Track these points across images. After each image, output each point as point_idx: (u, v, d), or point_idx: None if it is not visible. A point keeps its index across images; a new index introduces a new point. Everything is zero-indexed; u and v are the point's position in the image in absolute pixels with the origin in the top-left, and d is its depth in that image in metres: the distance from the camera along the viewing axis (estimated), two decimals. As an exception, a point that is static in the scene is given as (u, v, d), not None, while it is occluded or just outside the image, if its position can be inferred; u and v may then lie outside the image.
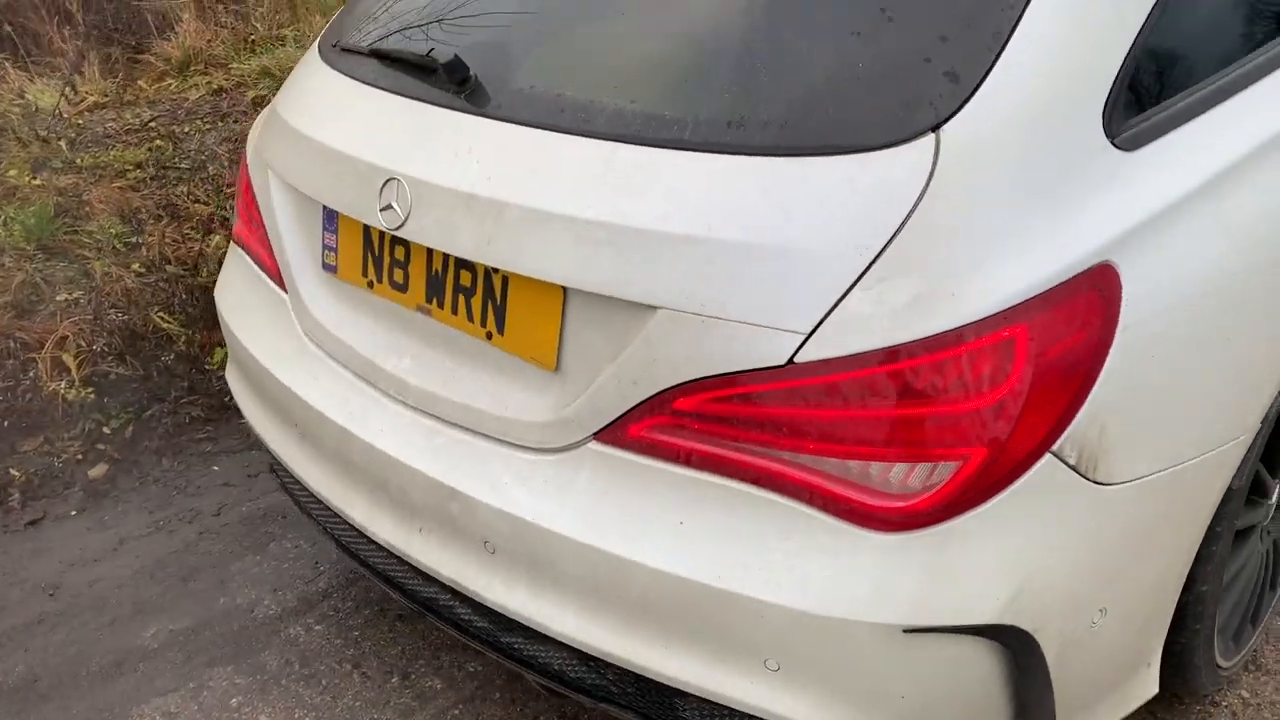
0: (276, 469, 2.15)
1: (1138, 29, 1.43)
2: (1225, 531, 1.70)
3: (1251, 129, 1.58)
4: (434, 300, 1.74)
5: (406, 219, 1.67)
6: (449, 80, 1.69)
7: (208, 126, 4.45)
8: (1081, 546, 1.42)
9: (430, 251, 1.71)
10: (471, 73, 1.65)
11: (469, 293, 1.67)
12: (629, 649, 1.51)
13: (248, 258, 2.13)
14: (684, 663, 1.48)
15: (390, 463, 1.73)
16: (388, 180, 1.69)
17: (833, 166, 1.35)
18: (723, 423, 1.40)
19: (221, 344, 3.18)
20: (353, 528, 1.84)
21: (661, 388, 1.44)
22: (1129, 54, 1.42)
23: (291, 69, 2.43)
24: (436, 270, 1.72)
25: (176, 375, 3.23)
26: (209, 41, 5.22)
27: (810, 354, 1.33)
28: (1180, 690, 1.92)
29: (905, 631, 1.34)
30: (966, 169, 1.32)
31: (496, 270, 1.60)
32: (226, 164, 4.05)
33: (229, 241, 2.67)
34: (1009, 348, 1.30)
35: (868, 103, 1.38)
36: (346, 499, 1.85)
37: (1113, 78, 1.40)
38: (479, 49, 1.72)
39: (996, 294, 1.30)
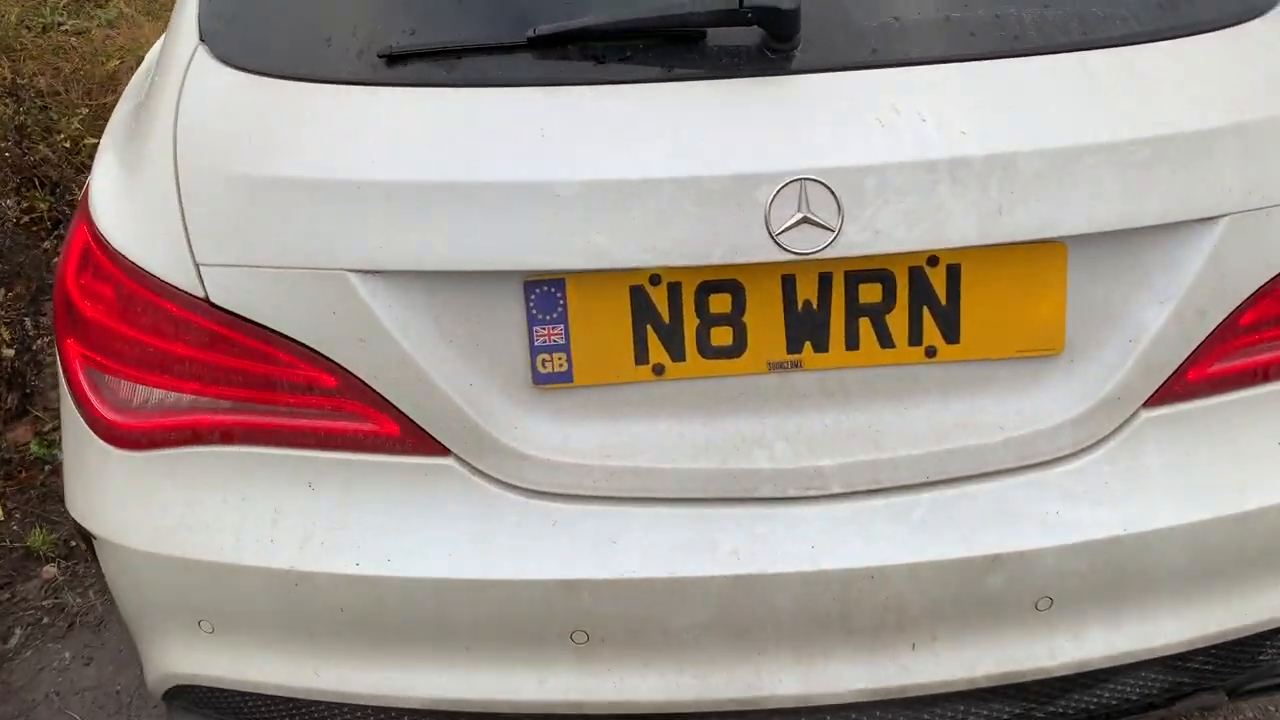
0: None
1: None
2: None
3: None
4: (806, 345, 1.22)
5: (840, 229, 1.13)
6: (778, 37, 1.17)
7: None
8: None
9: (790, 281, 1.20)
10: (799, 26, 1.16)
11: (880, 310, 1.21)
12: (1231, 615, 1.30)
13: (279, 450, 1.24)
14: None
15: (853, 582, 1.20)
16: (782, 188, 1.13)
17: None
18: None
19: None
20: None
21: (1232, 307, 1.24)
22: None
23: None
24: (807, 301, 1.21)
25: None
26: None
27: None
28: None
29: None
30: None
31: (934, 263, 1.19)
32: None
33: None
34: None
35: None
36: (749, 679, 1.23)
37: None
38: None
39: None
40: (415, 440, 1.24)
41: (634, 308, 1.21)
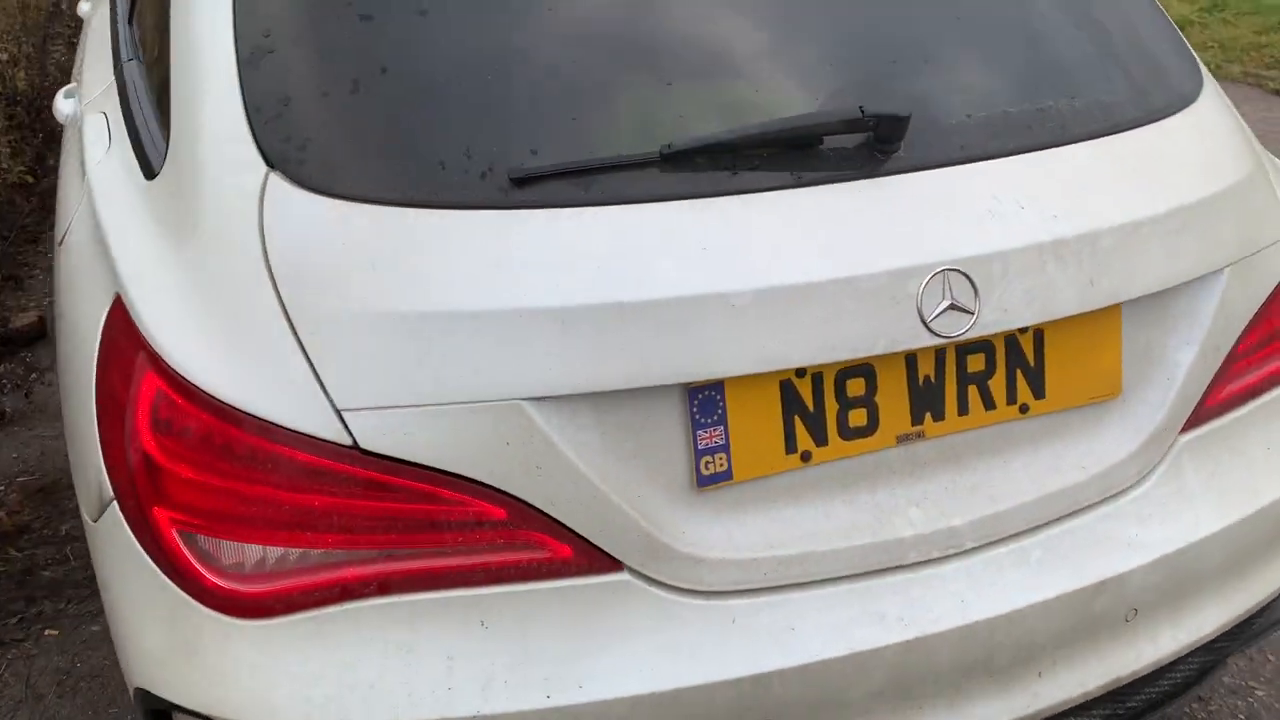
0: None
1: None
2: None
3: None
4: (926, 416, 1.32)
5: (979, 311, 1.24)
6: (885, 139, 1.26)
7: None
8: None
9: (912, 360, 1.30)
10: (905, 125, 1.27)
11: (984, 377, 1.34)
12: (1250, 594, 1.54)
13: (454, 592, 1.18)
14: None
15: (996, 627, 1.31)
16: (931, 277, 1.21)
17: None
18: None
19: None
20: None
21: (1235, 339, 1.47)
22: None
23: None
24: (926, 377, 1.31)
25: None
26: None
27: None
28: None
29: None
30: None
31: (1024, 331, 1.33)
32: None
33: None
34: None
35: None
36: None
37: None
38: (835, 101, 1.30)
39: None
40: (589, 559, 1.22)
41: (783, 401, 1.27)
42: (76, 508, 2.72)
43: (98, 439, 1.28)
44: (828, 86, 1.34)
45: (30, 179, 4.40)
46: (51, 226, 4.20)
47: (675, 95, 1.29)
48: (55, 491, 2.70)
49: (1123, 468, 1.43)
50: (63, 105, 2.10)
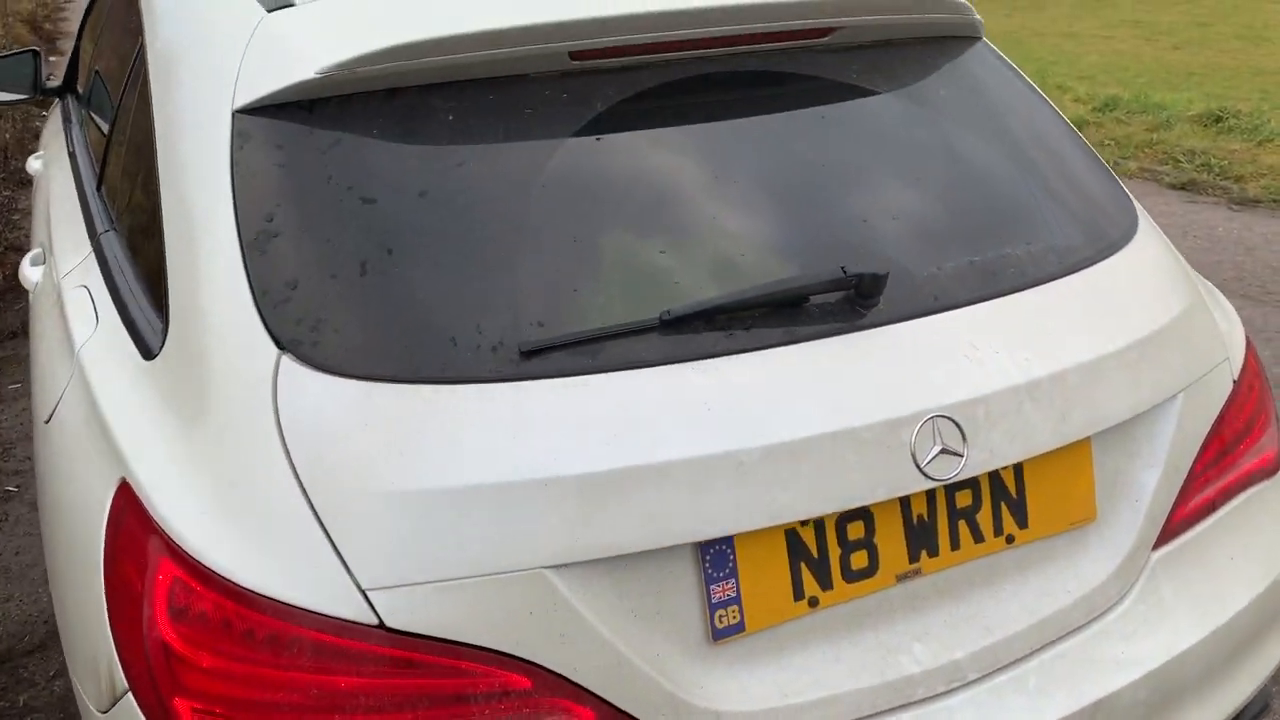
0: None
1: None
2: None
3: None
4: (922, 553, 1.38)
5: (967, 454, 1.31)
6: (866, 295, 1.34)
7: None
8: None
9: (906, 501, 1.36)
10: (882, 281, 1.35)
11: (972, 511, 1.41)
12: (1227, 696, 1.60)
13: None
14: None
15: (1002, 754, 1.35)
16: (922, 424, 1.28)
17: None
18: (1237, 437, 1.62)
19: None
20: None
21: (1192, 459, 1.56)
22: None
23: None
24: (919, 516, 1.38)
25: None
26: None
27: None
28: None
29: None
30: None
31: (1004, 467, 1.41)
32: None
33: None
34: None
35: None
36: None
37: None
38: (812, 263, 1.38)
39: None
40: None
41: (789, 549, 1.31)
42: (33, 675, 2.64)
43: (108, 628, 1.27)
44: (806, 247, 1.43)
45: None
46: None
47: (669, 263, 1.37)
48: (10, 659, 2.59)
49: (1104, 588, 1.50)
50: (30, 273, 2.10)
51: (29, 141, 6.40)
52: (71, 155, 2.54)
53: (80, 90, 3.04)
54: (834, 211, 1.48)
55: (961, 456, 1.33)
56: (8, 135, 6.39)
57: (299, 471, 1.20)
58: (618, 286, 1.33)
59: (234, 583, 1.18)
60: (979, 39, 1.87)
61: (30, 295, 2.15)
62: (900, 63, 1.72)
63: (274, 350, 1.26)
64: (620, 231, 1.38)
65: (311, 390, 1.24)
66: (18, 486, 3.33)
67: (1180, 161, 6.80)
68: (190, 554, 1.20)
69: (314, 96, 1.40)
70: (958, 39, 1.84)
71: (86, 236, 1.91)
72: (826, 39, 1.64)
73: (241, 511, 1.21)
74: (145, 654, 1.21)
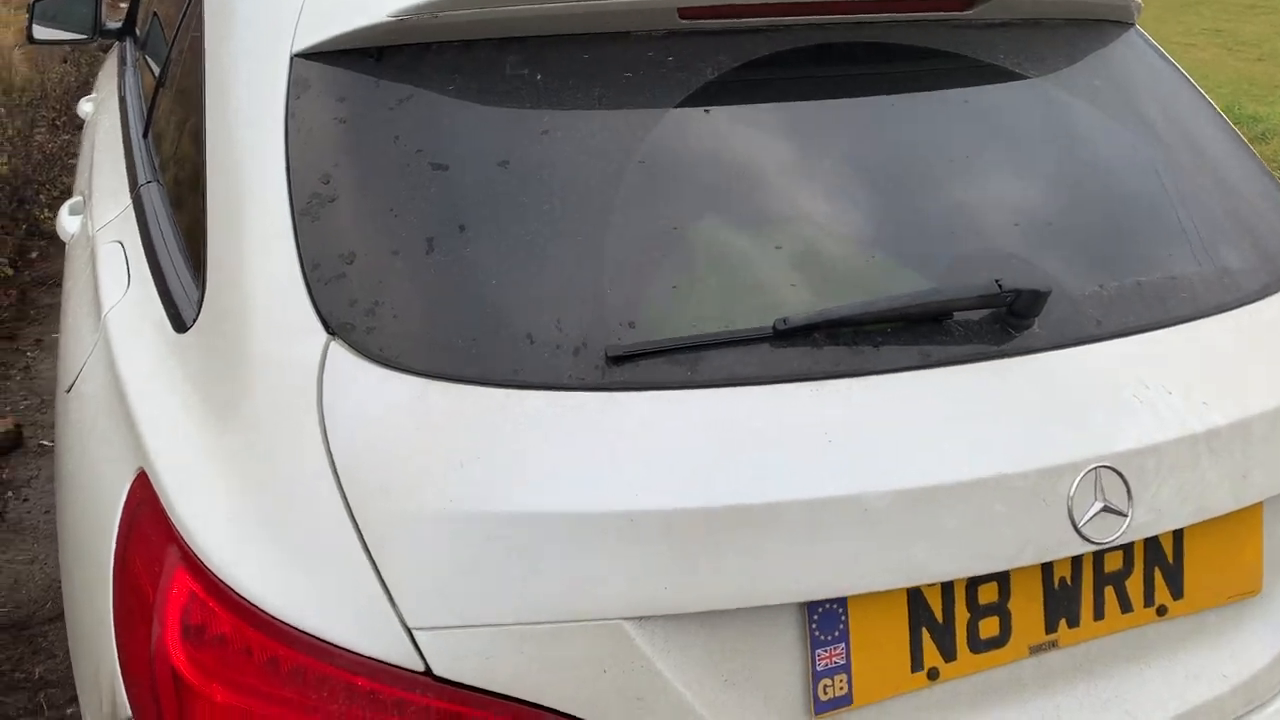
0: None
1: None
2: None
3: None
4: (1061, 623, 1.17)
5: (1131, 513, 1.09)
6: (1021, 315, 1.13)
7: None
8: None
9: (1049, 563, 1.15)
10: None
11: (1121, 577, 1.19)
12: None
13: None
14: None
15: None
16: (1083, 475, 1.07)
17: None
18: None
19: None
20: None
21: None
22: None
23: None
24: (1062, 579, 1.16)
25: None
26: None
27: None
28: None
29: None
30: None
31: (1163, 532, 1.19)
32: None
33: None
34: None
35: None
36: None
37: None
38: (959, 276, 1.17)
39: None
40: None
41: (910, 611, 1.11)
42: (51, 645, 2.51)
43: (114, 639, 1.10)
44: (946, 253, 1.22)
45: (10, 272, 4.22)
46: (30, 322, 4.03)
47: (784, 262, 1.16)
48: (28, 627, 2.46)
49: (1268, 673, 1.28)
50: (67, 222, 1.94)
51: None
52: (122, 100, 2.37)
53: (138, 32, 2.88)
54: (977, 213, 1.26)
55: (1125, 516, 1.11)
56: (71, 79, 6.30)
57: (342, 479, 1.01)
58: (724, 286, 1.13)
59: (259, 608, 0.99)
60: (1132, 24, 1.64)
61: (66, 246, 1.99)
62: (1049, 46, 1.49)
63: (322, 334, 1.07)
64: (728, 221, 1.17)
65: (363, 384, 1.05)
66: (53, 441, 3.22)
67: (1281, 177, 6.45)
68: (210, 568, 1.02)
69: (385, 44, 1.21)
70: (1110, 24, 1.60)
71: (127, 187, 1.74)
72: (971, 12, 1.41)
73: (274, 524, 1.03)
74: (151, 679, 1.04)
